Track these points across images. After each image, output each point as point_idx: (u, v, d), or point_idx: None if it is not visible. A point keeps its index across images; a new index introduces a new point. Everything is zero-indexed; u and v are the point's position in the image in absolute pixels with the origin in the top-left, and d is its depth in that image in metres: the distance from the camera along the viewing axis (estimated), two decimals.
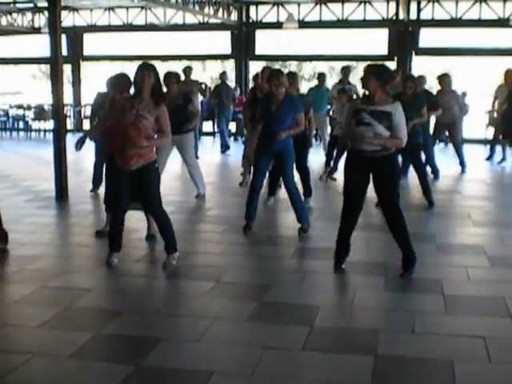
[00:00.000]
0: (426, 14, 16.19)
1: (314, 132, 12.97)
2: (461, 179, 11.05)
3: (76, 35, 18.57)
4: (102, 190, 7.98)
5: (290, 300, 5.03)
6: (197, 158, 12.84)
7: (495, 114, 13.02)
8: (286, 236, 7.05)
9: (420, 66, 16.16)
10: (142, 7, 17.65)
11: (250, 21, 17.66)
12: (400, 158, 8.53)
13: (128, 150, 5.48)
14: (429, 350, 4.03)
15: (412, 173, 10.24)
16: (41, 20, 18.04)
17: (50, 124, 17.28)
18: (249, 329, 4.46)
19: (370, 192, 5.59)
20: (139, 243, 6.63)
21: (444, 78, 11.31)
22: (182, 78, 13.06)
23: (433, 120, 11.00)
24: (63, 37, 9.74)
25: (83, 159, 8.61)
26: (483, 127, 15.46)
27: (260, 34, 17.66)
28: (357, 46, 16.60)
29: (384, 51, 16.52)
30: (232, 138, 16.44)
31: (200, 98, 13.77)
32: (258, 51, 17.72)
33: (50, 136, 16.12)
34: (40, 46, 15.30)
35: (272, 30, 17.26)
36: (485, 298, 5.05)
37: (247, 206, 7.01)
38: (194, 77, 13.42)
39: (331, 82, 14.70)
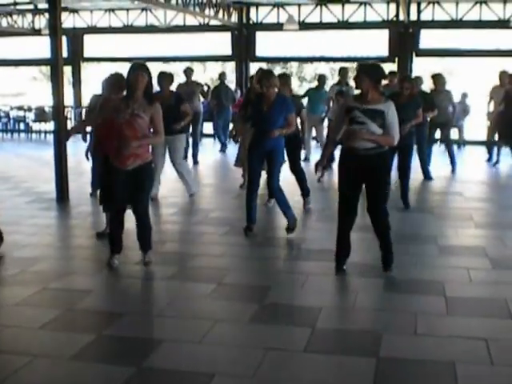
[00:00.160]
0: (426, 16, 16.19)
1: (314, 134, 13.05)
2: (462, 181, 11.03)
3: (76, 37, 18.57)
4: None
5: (292, 302, 5.04)
6: (196, 162, 12.89)
7: (488, 115, 13.02)
8: (286, 237, 7.04)
9: (420, 67, 16.16)
10: (143, 9, 17.65)
11: (251, 22, 17.66)
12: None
13: (124, 150, 5.49)
14: (430, 351, 4.02)
15: (412, 174, 10.25)
16: (41, 21, 18.03)
17: (50, 125, 17.27)
18: (250, 330, 4.46)
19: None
20: (140, 245, 6.61)
21: (438, 78, 11.34)
22: (183, 79, 13.11)
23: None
24: (63, 38, 9.73)
25: (84, 161, 8.59)
26: (484, 128, 15.43)
27: (260, 36, 17.66)
28: (357, 47, 16.60)
29: (384, 52, 16.52)
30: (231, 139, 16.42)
31: (201, 99, 13.75)
32: (259, 53, 17.72)
33: (50, 137, 16.11)
34: (40, 47, 15.26)
35: (272, 32, 17.27)
36: (486, 299, 5.04)
37: (247, 207, 7.01)
38: (194, 78, 13.39)
39: (331, 83, 14.69)
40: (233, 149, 14.39)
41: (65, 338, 4.29)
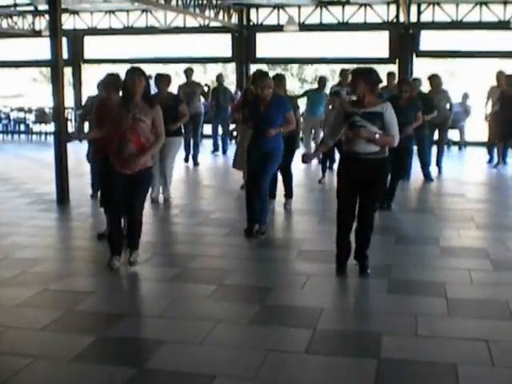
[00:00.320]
0: (426, 17, 16.18)
1: (313, 135, 13.04)
2: (463, 182, 11.01)
3: (77, 38, 18.55)
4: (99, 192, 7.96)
5: (293, 303, 5.03)
6: (197, 163, 12.88)
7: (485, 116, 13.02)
8: (287, 239, 7.05)
9: (421, 68, 16.15)
10: (143, 10, 17.64)
11: (251, 24, 17.65)
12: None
13: (126, 153, 5.49)
14: (431, 352, 4.02)
15: (412, 175, 10.26)
16: (41, 23, 18.01)
17: (50, 127, 17.27)
18: (251, 332, 4.45)
19: None
20: (140, 246, 6.60)
21: (434, 79, 11.36)
22: (184, 80, 13.11)
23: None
24: (64, 40, 9.72)
25: (84, 162, 8.60)
26: (485, 129, 15.43)
27: (261, 37, 17.65)
28: (358, 48, 16.59)
29: (385, 54, 16.51)
30: (233, 141, 16.43)
31: (202, 100, 13.76)
32: (259, 54, 17.70)
33: (50, 139, 16.11)
34: (41, 48, 15.26)
35: (273, 33, 17.26)
36: (488, 301, 5.03)
37: (247, 208, 7.01)
38: (195, 79, 13.40)
39: (332, 85, 14.69)
40: (233, 150, 14.43)
41: (65, 340, 4.28)
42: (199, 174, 12.41)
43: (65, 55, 9.62)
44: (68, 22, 17.98)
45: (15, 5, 16.48)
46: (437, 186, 10.59)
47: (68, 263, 6.26)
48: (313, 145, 13.55)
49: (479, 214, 8.25)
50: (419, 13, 16.21)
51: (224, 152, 14.63)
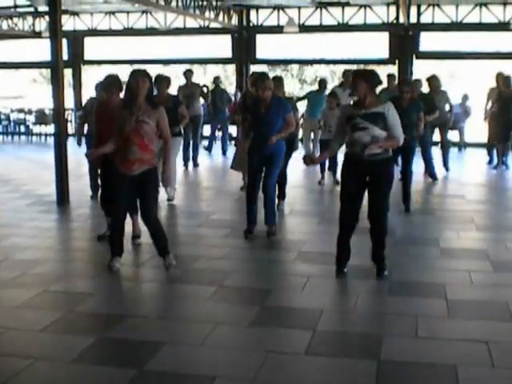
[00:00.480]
0: (426, 18, 16.19)
1: (313, 136, 13.03)
2: (463, 183, 11.02)
3: (77, 39, 18.57)
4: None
5: (293, 304, 5.03)
6: (196, 164, 12.89)
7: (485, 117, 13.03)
8: (287, 240, 7.04)
9: (421, 69, 16.15)
10: (143, 11, 17.65)
11: (251, 25, 17.66)
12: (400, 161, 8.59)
13: (130, 155, 5.48)
14: (431, 354, 4.02)
15: (413, 176, 10.25)
16: (41, 24, 18.03)
17: (50, 128, 17.28)
18: (251, 333, 4.45)
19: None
20: (141, 248, 6.62)
21: (432, 80, 11.37)
22: (182, 81, 13.11)
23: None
24: (64, 41, 9.72)
25: (84, 163, 8.60)
26: (485, 131, 15.43)
27: (261, 38, 17.66)
28: (357, 49, 16.61)
29: (385, 55, 16.53)
30: (233, 142, 16.44)
31: (201, 101, 13.77)
32: (259, 55, 17.72)
33: (50, 140, 16.12)
34: (41, 50, 15.29)
35: (273, 34, 17.27)
36: (488, 302, 5.03)
37: (247, 210, 7.02)
38: (195, 81, 13.41)
39: (332, 86, 14.69)
40: (232, 151, 14.44)
41: (65, 341, 4.28)
42: (199, 175, 12.42)
43: (65, 56, 9.62)
44: (68, 23, 18.00)
45: (15, 6, 16.48)
46: (437, 187, 10.59)
47: (68, 264, 6.26)
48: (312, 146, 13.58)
49: (479, 216, 8.25)
50: (419, 14, 16.22)
51: (223, 153, 14.65)
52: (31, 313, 4.81)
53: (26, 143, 18.49)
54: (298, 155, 8.02)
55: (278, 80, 8.17)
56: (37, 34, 17.78)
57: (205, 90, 13.79)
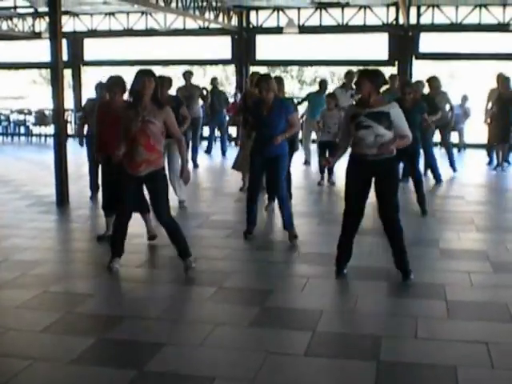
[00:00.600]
0: (425, 19, 16.20)
1: (313, 137, 13.04)
2: (463, 184, 11.02)
3: (76, 40, 18.58)
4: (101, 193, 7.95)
5: (292, 305, 5.03)
6: (196, 165, 12.89)
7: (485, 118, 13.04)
8: (287, 241, 7.03)
9: (420, 70, 16.16)
10: (143, 12, 17.66)
11: (251, 26, 17.67)
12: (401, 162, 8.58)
13: (137, 157, 5.47)
14: (431, 355, 4.02)
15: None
16: (41, 25, 18.05)
17: (50, 129, 17.28)
18: (251, 334, 4.45)
19: (372, 197, 5.58)
20: (141, 248, 6.62)
21: (433, 81, 11.39)
22: (182, 82, 13.11)
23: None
24: (64, 42, 9.73)
25: (84, 164, 8.60)
26: (485, 132, 15.43)
27: (260, 39, 17.67)
28: (357, 50, 16.61)
29: (384, 56, 16.53)
30: (233, 143, 16.44)
31: (201, 102, 13.77)
32: (259, 56, 17.73)
33: (50, 141, 16.11)
34: (40, 50, 15.30)
35: (272, 35, 17.28)
36: (487, 303, 5.03)
37: (247, 211, 7.01)
38: (194, 82, 13.42)
39: (332, 87, 14.70)
40: (234, 152, 14.44)
41: (65, 342, 4.28)
42: (199, 176, 12.40)
43: (65, 57, 9.62)
44: (68, 24, 18.01)
45: (15, 7, 16.50)
46: (437, 188, 10.59)
47: (68, 265, 6.25)
48: (312, 146, 13.58)
49: (479, 217, 8.25)
50: (419, 15, 16.23)
51: (223, 154, 14.65)
52: (31, 313, 4.81)
53: (25, 144, 18.50)
54: (297, 155, 8.04)
55: (279, 81, 8.17)
56: (37, 35, 17.79)
57: (204, 92, 13.80)
